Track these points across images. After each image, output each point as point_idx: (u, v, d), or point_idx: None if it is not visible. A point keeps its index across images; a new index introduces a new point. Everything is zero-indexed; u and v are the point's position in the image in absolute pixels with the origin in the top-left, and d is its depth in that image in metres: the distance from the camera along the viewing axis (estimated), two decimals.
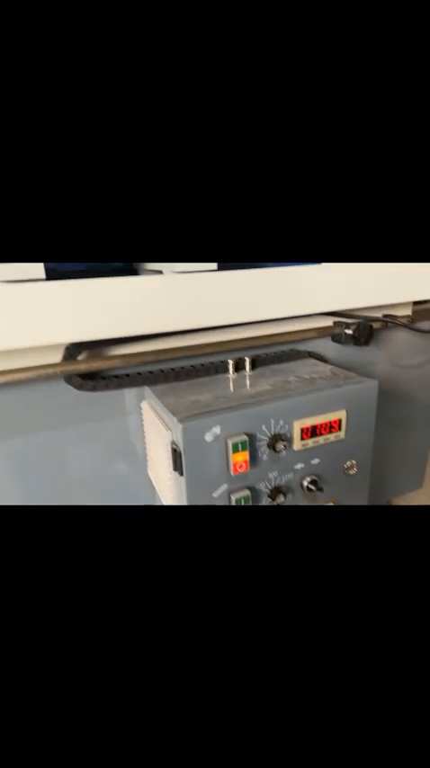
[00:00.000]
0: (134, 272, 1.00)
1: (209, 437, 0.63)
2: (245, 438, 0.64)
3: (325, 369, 0.83)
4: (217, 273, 0.71)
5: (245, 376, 0.81)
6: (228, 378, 0.80)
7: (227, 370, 0.81)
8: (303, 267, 0.78)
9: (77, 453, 0.77)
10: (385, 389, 0.76)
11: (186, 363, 0.81)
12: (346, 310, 0.88)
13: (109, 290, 0.64)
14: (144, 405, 0.77)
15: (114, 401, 0.78)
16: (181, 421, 0.61)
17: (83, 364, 0.68)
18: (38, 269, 0.63)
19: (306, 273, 0.79)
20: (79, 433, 0.76)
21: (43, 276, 0.65)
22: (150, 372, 0.77)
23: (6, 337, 0.58)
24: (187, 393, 0.72)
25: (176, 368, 0.80)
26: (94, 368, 0.69)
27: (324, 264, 0.81)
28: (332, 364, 0.91)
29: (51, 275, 0.66)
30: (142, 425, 0.80)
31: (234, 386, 0.76)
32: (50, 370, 0.66)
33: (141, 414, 0.79)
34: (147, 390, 0.78)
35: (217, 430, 0.63)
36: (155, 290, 0.67)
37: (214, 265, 0.77)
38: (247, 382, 0.78)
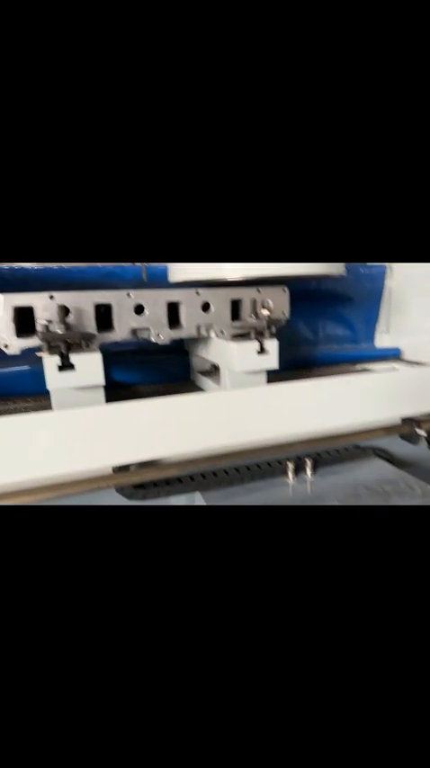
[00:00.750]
0: (184, 352, 0.97)
1: None
2: None
3: (395, 476, 0.74)
4: (280, 385, 0.66)
5: (306, 481, 0.73)
6: (288, 483, 0.73)
7: (285, 473, 0.74)
8: (367, 375, 0.72)
9: None
10: None
11: (241, 464, 0.75)
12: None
13: (164, 410, 0.60)
14: None
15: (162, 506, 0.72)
16: None
17: (135, 476, 0.63)
18: (96, 372, 0.61)
19: (370, 379, 0.73)
20: None
21: (101, 380, 0.62)
22: (203, 476, 0.71)
23: (66, 463, 0.54)
24: (242, 505, 0.66)
25: (230, 470, 0.73)
26: (146, 479, 0.64)
27: (391, 366, 0.74)
28: (399, 461, 0.82)
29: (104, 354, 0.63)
30: None
31: (295, 497, 0.68)
32: (103, 483, 0.61)
33: None
34: (197, 495, 0.72)
35: None
36: (212, 407, 0.63)
37: (275, 362, 0.72)
38: (309, 491, 0.70)
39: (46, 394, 0.70)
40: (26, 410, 0.76)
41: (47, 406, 0.76)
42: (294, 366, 1.01)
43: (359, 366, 1.05)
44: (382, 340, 1.16)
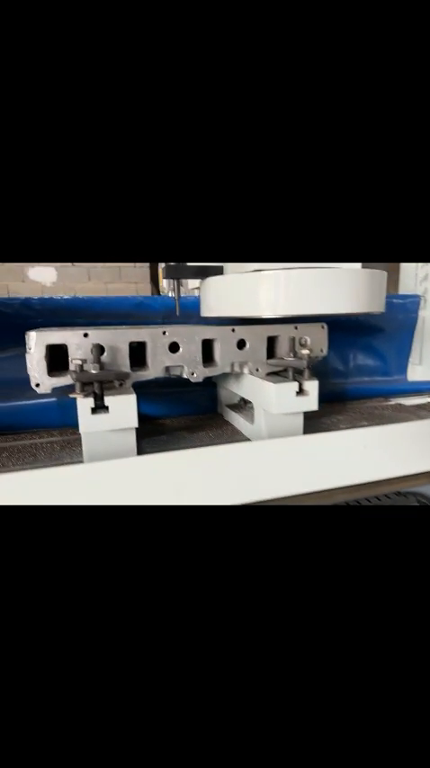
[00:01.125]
0: (212, 384, 0.94)
1: None
2: None
3: None
4: (321, 435, 0.62)
5: None
6: None
7: None
8: (416, 423, 0.68)
9: None
10: None
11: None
12: None
13: (201, 461, 0.57)
14: None
15: None
16: None
17: None
18: (131, 415, 0.58)
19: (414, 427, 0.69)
20: None
21: (135, 423, 0.59)
22: None
23: None
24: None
25: None
26: None
27: (427, 401, 0.70)
28: None
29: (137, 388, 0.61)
30: None
31: None
32: None
33: None
34: None
35: None
36: (251, 459, 0.59)
37: (314, 404, 0.69)
38: None
39: (72, 426, 0.68)
40: (52, 444, 0.74)
41: (72, 440, 0.74)
42: (326, 400, 0.97)
43: (393, 401, 1.01)
44: (415, 372, 1.12)
